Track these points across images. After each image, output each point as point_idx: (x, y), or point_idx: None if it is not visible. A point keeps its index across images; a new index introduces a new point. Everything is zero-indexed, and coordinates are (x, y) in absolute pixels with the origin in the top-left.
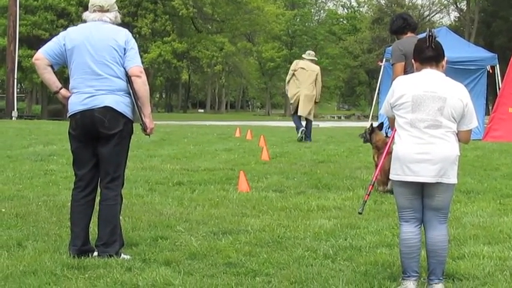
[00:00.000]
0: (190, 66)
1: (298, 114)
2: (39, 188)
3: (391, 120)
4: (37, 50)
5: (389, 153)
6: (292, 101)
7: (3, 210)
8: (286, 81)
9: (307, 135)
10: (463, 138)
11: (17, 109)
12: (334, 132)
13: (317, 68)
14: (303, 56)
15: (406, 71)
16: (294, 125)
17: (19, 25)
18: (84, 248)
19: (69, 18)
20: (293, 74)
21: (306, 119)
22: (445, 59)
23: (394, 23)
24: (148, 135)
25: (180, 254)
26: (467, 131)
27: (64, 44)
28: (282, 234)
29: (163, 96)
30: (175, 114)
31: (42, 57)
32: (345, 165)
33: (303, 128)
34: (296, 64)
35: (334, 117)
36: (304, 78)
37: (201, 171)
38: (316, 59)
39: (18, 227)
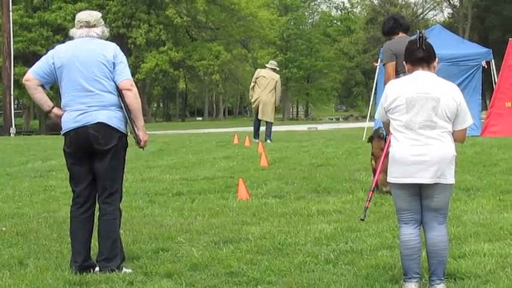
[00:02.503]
0: (186, 75)
1: (259, 118)
2: (39, 204)
3: (386, 125)
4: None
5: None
6: (253, 106)
7: (4, 228)
8: (250, 87)
9: (266, 135)
10: (458, 137)
11: (15, 125)
12: (332, 135)
13: (277, 76)
14: (266, 65)
15: (397, 71)
16: (291, 129)
17: (15, 42)
18: (85, 264)
19: (65, 33)
20: (255, 82)
21: (266, 122)
22: (437, 59)
23: (386, 24)
24: (142, 147)
25: (182, 265)
26: (462, 130)
27: (53, 63)
28: (283, 241)
29: (161, 105)
30: (173, 123)
31: (32, 77)
32: (344, 167)
33: (257, 141)
34: (258, 73)
35: (332, 119)
36: (264, 86)
37: (200, 180)
38: (278, 68)
39: (19, 245)
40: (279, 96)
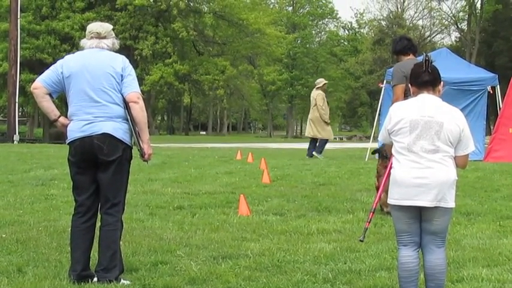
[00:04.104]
0: (191, 89)
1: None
2: (39, 213)
3: (389, 147)
4: (39, 74)
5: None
6: None
7: (4, 235)
8: None
9: (316, 151)
10: (460, 163)
11: (19, 133)
12: (335, 154)
13: (315, 93)
14: None
15: (406, 93)
16: (294, 147)
17: (22, 48)
18: (84, 273)
19: (72, 42)
20: None
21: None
22: (442, 83)
23: (399, 43)
24: (146, 161)
25: (180, 279)
26: (463, 156)
27: (62, 72)
28: (282, 258)
29: (165, 118)
30: (177, 137)
31: (40, 86)
32: (345, 187)
33: (307, 156)
34: None
35: (335, 138)
36: (311, 105)
37: (201, 194)
38: (318, 84)
39: (18, 253)
40: (321, 112)
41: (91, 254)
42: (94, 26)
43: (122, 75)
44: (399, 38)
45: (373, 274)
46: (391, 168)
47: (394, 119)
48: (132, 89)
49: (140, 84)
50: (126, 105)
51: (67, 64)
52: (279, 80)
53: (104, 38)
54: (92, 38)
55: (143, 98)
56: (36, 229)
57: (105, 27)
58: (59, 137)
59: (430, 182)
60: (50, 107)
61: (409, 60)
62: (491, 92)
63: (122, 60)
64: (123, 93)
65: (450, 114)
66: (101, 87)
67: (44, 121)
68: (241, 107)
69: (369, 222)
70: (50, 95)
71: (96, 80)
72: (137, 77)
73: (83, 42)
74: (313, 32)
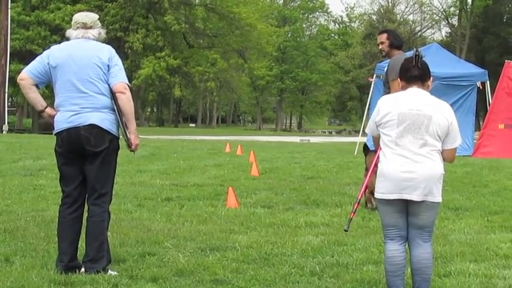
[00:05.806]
0: (182, 81)
1: None
2: (28, 203)
3: (376, 139)
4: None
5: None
6: None
7: None
8: None
9: None
10: (448, 157)
11: (8, 123)
12: (324, 148)
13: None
14: None
15: None
16: (283, 140)
17: (12, 39)
18: (71, 264)
19: (63, 33)
20: None
21: None
22: (431, 78)
23: (397, 38)
24: (133, 151)
25: (167, 270)
26: (451, 149)
27: (48, 63)
28: (269, 251)
29: (155, 110)
30: (166, 129)
31: (26, 77)
32: (334, 181)
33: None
34: None
35: (325, 132)
36: None
37: (190, 186)
38: None
39: (6, 242)
40: None
41: (78, 245)
42: (80, 16)
43: (108, 66)
44: (392, 32)
45: (361, 268)
46: (377, 162)
47: (382, 112)
48: (119, 80)
49: (130, 77)
50: (113, 95)
51: (53, 55)
52: (269, 76)
53: (90, 28)
54: (78, 28)
55: (130, 89)
56: (24, 219)
57: (91, 17)
58: (48, 127)
59: (418, 176)
60: (36, 98)
61: (401, 55)
62: (481, 87)
63: (108, 50)
64: (110, 83)
65: (438, 107)
66: (87, 78)
67: (33, 111)
68: (231, 99)
69: (354, 213)
70: (36, 85)
71: (83, 71)
72: (127, 69)
73: (69, 32)
74: (304, 25)
